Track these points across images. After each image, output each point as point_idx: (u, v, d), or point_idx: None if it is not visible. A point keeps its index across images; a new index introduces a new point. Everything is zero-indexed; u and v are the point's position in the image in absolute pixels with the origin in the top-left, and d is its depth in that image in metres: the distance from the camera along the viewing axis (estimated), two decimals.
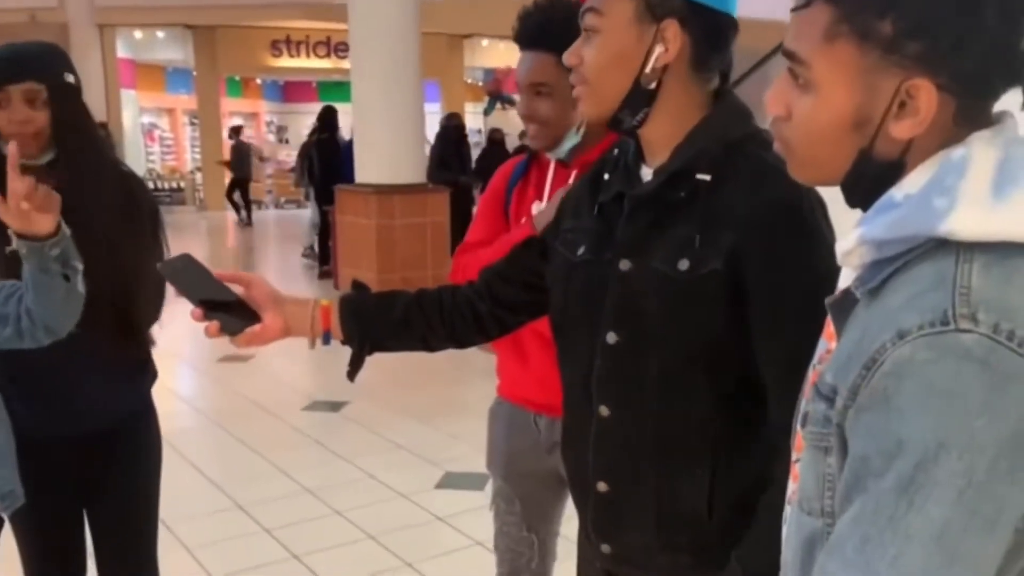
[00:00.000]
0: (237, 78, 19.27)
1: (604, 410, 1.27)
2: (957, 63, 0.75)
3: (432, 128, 9.97)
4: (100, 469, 2.00)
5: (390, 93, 7.22)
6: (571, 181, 1.82)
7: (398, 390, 5.02)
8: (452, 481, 3.96)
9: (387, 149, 7.30)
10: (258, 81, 20.20)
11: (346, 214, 7.71)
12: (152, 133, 19.11)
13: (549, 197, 1.86)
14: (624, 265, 1.23)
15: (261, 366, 6.03)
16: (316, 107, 20.81)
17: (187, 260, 1.32)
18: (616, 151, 1.34)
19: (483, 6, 12.24)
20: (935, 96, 0.76)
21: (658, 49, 1.18)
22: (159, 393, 2.13)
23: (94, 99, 14.17)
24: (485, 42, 17.25)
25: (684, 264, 1.17)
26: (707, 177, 1.18)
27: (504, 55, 15.50)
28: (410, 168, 7.45)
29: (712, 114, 1.24)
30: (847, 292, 0.84)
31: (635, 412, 1.25)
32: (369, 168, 7.43)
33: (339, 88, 16.84)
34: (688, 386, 1.21)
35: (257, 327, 1.33)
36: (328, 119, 9.26)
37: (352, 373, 1.42)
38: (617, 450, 1.28)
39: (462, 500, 3.73)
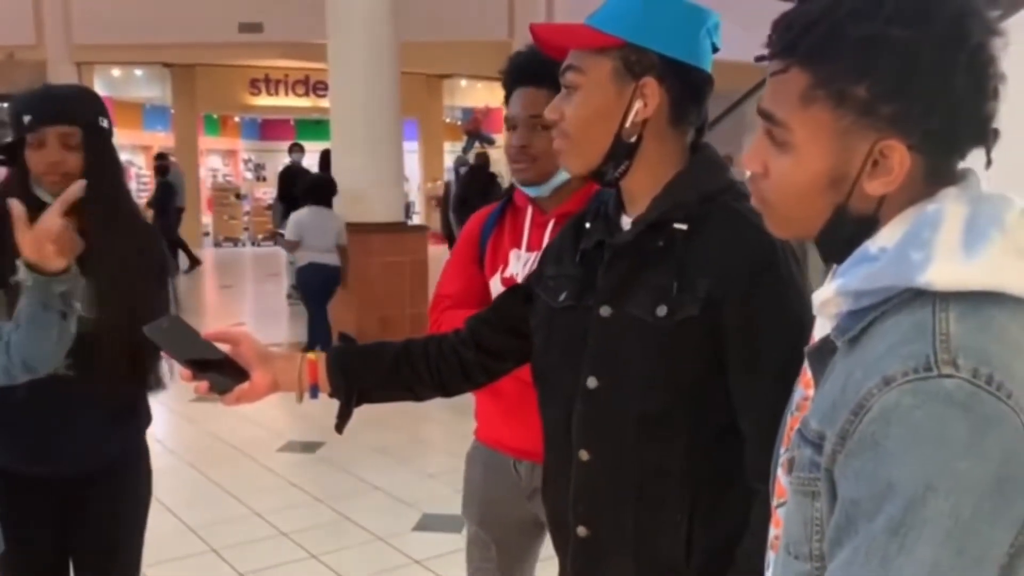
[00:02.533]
0: (215, 116, 19.28)
1: (584, 454, 1.28)
2: (928, 125, 0.79)
3: (410, 167, 9.99)
4: (87, 514, 1.97)
5: (369, 132, 7.25)
6: (549, 230, 1.84)
7: (374, 429, 4.97)
8: (429, 523, 3.91)
9: (366, 187, 7.30)
10: (236, 119, 20.22)
11: None
12: (129, 170, 19.03)
13: (528, 245, 1.87)
14: (604, 311, 1.26)
15: (235, 407, 5.95)
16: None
17: (174, 321, 1.34)
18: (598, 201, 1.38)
19: (461, 47, 12.39)
20: (907, 156, 0.80)
21: (637, 105, 1.23)
22: None
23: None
24: (464, 82, 17.42)
25: (662, 310, 1.20)
26: (684, 227, 1.22)
27: (482, 95, 15.66)
28: (388, 207, 7.46)
29: (689, 166, 1.27)
30: (825, 340, 0.86)
31: (614, 456, 1.26)
32: (347, 207, 7.42)
33: (317, 126, 16.88)
34: (667, 431, 1.23)
35: (246, 385, 1.34)
36: (325, 160, 9.08)
37: (340, 425, 1.43)
38: (597, 495, 1.29)
39: (440, 543, 3.68)
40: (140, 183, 19.44)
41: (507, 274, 1.89)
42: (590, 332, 1.27)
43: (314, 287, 6.67)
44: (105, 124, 1.88)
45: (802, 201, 0.86)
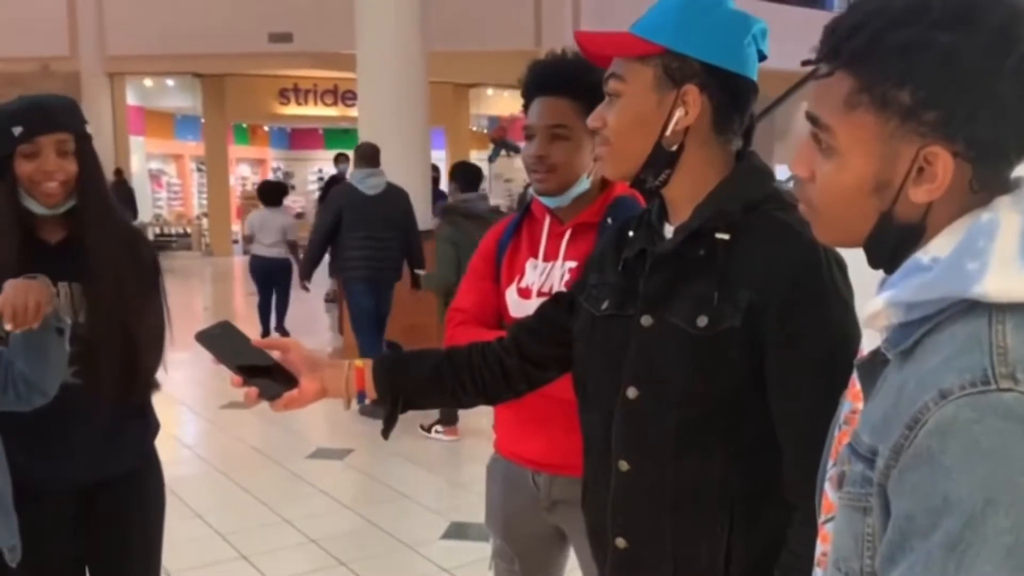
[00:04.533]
0: (244, 125, 19.48)
1: (624, 464, 1.28)
2: (972, 132, 0.78)
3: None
4: (101, 523, 1.97)
5: (397, 140, 7.28)
6: (566, 239, 1.84)
7: (402, 437, 4.98)
8: (458, 531, 3.91)
9: None
10: (265, 128, 20.41)
11: None
12: (159, 179, 19.27)
13: (546, 255, 1.86)
14: (646, 320, 1.25)
15: (264, 413, 5.96)
16: (322, 154, 20.92)
17: (225, 327, 1.36)
18: (640, 210, 1.38)
19: (487, 57, 12.42)
20: (951, 163, 0.79)
21: (678, 113, 1.22)
22: (162, 439, 2.11)
23: (103, 145, 14.25)
24: (490, 91, 17.46)
25: (703, 321, 1.18)
26: (726, 236, 1.20)
27: (508, 103, 15.66)
28: (417, 215, 7.48)
29: (732, 174, 1.26)
30: (876, 353, 0.85)
31: (654, 467, 1.25)
32: None
33: (345, 135, 17.00)
34: (706, 442, 1.21)
35: (295, 391, 1.35)
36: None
37: (387, 431, 1.46)
38: (636, 506, 1.28)
39: (468, 551, 3.68)
40: (171, 191, 19.70)
41: (523, 284, 1.87)
42: (631, 341, 1.26)
43: (259, 276, 8.07)
44: (89, 131, 1.88)
45: (847, 207, 0.85)
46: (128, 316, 1.87)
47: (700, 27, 1.22)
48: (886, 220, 0.83)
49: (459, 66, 12.89)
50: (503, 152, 12.06)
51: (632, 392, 1.25)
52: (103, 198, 1.91)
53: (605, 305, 1.32)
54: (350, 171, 6.79)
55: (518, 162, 10.69)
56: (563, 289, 1.78)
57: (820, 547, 0.91)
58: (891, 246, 0.84)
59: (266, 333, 7.78)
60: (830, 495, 0.89)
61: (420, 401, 1.47)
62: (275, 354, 1.37)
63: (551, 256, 1.86)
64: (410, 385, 1.45)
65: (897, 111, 0.79)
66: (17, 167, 1.78)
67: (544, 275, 1.85)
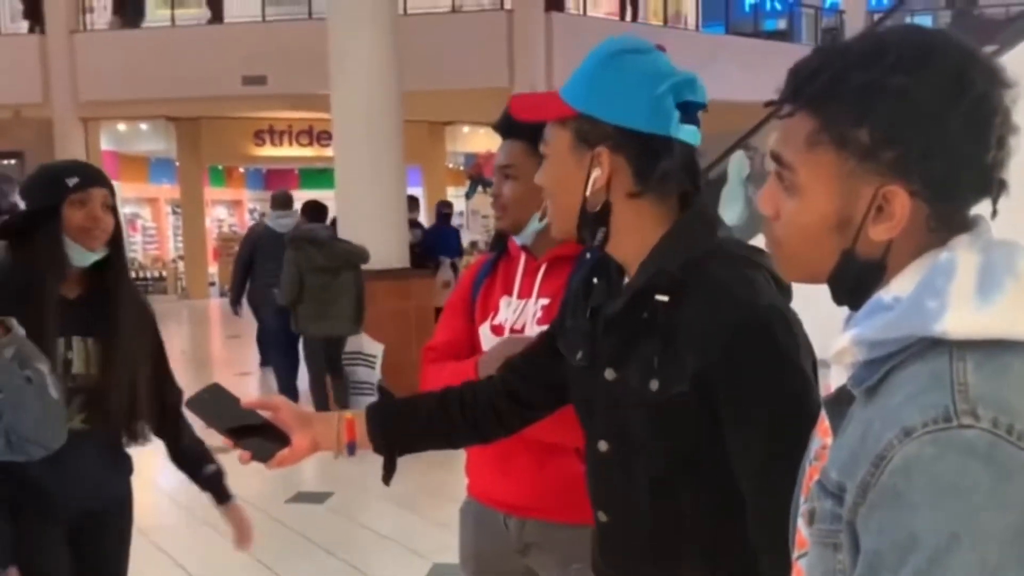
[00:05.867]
0: (220, 167, 19.45)
1: (602, 516, 1.32)
2: (927, 171, 0.80)
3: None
4: (88, 550, 2.09)
5: (373, 180, 7.29)
6: (541, 275, 1.85)
7: None
8: (441, 573, 3.85)
9: (371, 235, 7.32)
10: (241, 170, 20.40)
11: None
12: (135, 223, 19.16)
13: (520, 292, 1.87)
14: (609, 375, 1.27)
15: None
16: (299, 194, 20.96)
17: (214, 390, 1.40)
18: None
19: (463, 95, 12.52)
20: (908, 202, 0.81)
21: (595, 174, 1.23)
22: (140, 486, 2.21)
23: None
24: (466, 128, 17.58)
25: (654, 384, 1.20)
26: (665, 298, 1.21)
27: (484, 140, 15.77)
28: (393, 253, 7.48)
29: (673, 230, 1.25)
30: (842, 390, 0.86)
31: (629, 519, 1.28)
32: None
33: (321, 175, 16.99)
34: (677, 493, 1.24)
35: (286, 450, 1.37)
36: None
37: (387, 478, 1.47)
38: (619, 554, 1.31)
39: None
40: (146, 235, 19.59)
41: (496, 321, 1.88)
42: (599, 395, 1.29)
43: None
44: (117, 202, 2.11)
45: (809, 244, 0.87)
46: (137, 367, 2.07)
47: (608, 89, 1.23)
48: (848, 258, 0.85)
49: (434, 104, 12.97)
50: (480, 188, 12.12)
51: (603, 445, 1.28)
52: (125, 255, 2.15)
53: (579, 356, 1.34)
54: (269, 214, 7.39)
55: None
56: (535, 326, 1.79)
57: None
58: (853, 283, 0.86)
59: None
60: (803, 531, 0.90)
61: (416, 446, 1.49)
62: (265, 413, 1.39)
63: (525, 293, 1.87)
64: (405, 434, 1.47)
65: (856, 150, 0.82)
66: (67, 215, 1.96)
67: (517, 312, 1.86)
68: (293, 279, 5.98)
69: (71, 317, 1.98)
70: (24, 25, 14.46)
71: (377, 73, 7.34)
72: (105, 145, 15.64)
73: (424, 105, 11.84)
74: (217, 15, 14.00)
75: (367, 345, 6.38)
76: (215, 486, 2.30)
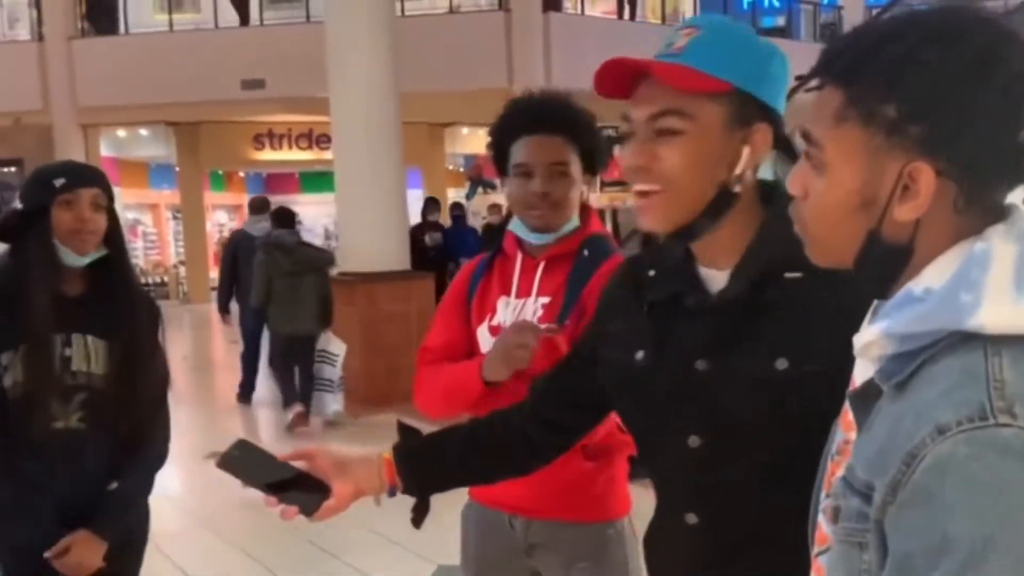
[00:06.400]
0: (220, 172, 19.46)
1: (692, 517, 1.22)
2: (954, 149, 0.77)
3: (414, 215, 10.07)
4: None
5: (373, 182, 7.29)
6: (539, 273, 1.84)
7: None
8: (445, 575, 3.84)
9: (371, 237, 7.32)
10: (241, 174, 20.40)
11: None
12: (135, 229, 19.17)
13: (518, 291, 1.86)
14: (701, 365, 1.19)
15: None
16: (299, 198, 20.94)
17: (243, 447, 1.34)
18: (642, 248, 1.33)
19: (461, 96, 12.51)
20: (933, 179, 0.78)
21: (746, 152, 1.17)
22: None
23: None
24: (465, 130, 17.56)
25: (783, 364, 1.13)
26: (798, 275, 1.14)
27: (484, 142, 15.73)
28: (394, 255, 7.47)
29: (775, 212, 1.19)
30: (870, 383, 0.83)
31: (726, 518, 1.20)
32: (353, 256, 7.44)
33: (321, 178, 17.01)
34: (783, 488, 1.13)
35: (331, 500, 1.32)
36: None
37: (418, 520, 1.42)
38: (708, 559, 1.22)
39: None
40: (147, 241, 19.60)
41: (495, 322, 1.86)
42: (683, 388, 1.19)
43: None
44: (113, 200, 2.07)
45: (835, 224, 0.85)
46: (141, 367, 2.03)
47: (760, 66, 1.19)
48: (874, 239, 0.82)
49: (433, 106, 12.96)
50: (480, 189, 12.12)
51: (694, 441, 1.19)
52: (127, 254, 2.12)
53: (640, 355, 1.25)
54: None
55: (494, 199, 10.75)
56: (535, 323, 1.78)
57: None
58: (880, 268, 0.83)
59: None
60: (824, 528, 0.87)
61: (449, 485, 1.45)
62: (299, 464, 1.33)
63: (524, 292, 1.85)
64: (437, 473, 1.42)
65: (882, 126, 0.79)
66: (55, 217, 1.94)
67: (516, 312, 1.85)
68: (263, 283, 6.55)
69: (72, 314, 1.97)
70: (23, 32, 14.47)
71: (375, 75, 7.33)
72: (105, 151, 15.63)
73: (423, 107, 11.84)
74: (222, 18, 13.96)
75: (332, 344, 6.73)
76: (102, 505, 2.01)
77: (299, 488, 1.30)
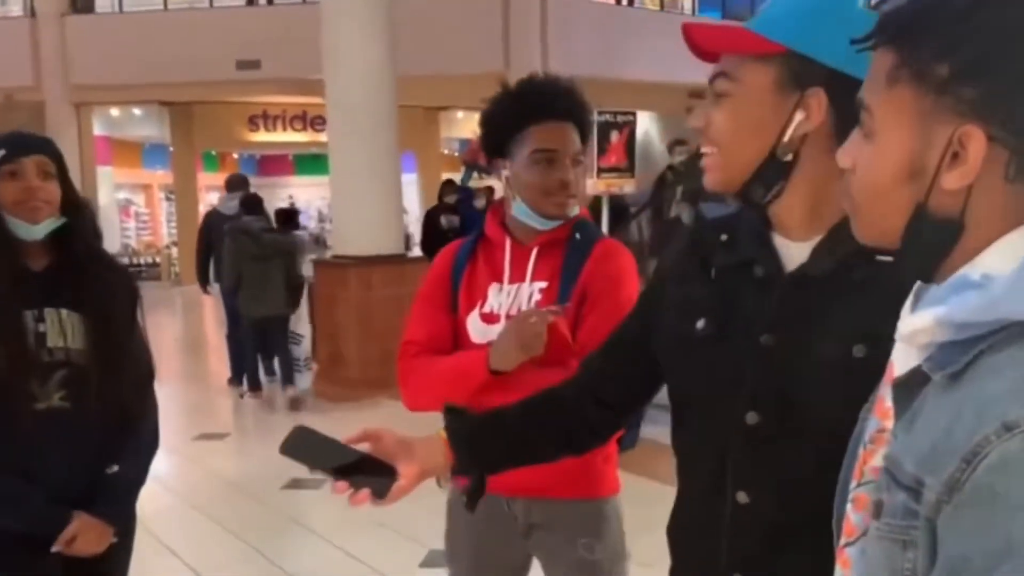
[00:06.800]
0: (214, 153, 19.36)
1: (743, 496, 1.17)
2: (1010, 111, 0.73)
3: (409, 199, 10.07)
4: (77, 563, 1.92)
5: (368, 165, 7.25)
6: (533, 259, 1.83)
7: None
8: (437, 559, 3.82)
9: (365, 221, 7.29)
10: (235, 156, 20.30)
11: (324, 287, 7.67)
12: (128, 209, 19.08)
13: (511, 277, 1.84)
14: (767, 340, 1.14)
15: (238, 444, 5.90)
16: (293, 180, 20.78)
17: (303, 433, 1.31)
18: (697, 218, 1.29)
19: (457, 80, 12.45)
20: (983, 144, 0.74)
21: (799, 117, 1.11)
22: None
23: (71, 176, 14.13)
24: (460, 114, 17.50)
25: (860, 351, 1.08)
26: (889, 258, 1.10)
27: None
28: (389, 239, 7.44)
29: None
30: (916, 372, 0.79)
31: (781, 499, 1.15)
32: (347, 240, 7.41)
33: (315, 161, 16.92)
34: (838, 474, 1.08)
35: (402, 481, 1.27)
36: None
37: (472, 504, 1.37)
38: (758, 540, 1.17)
39: None
40: (140, 221, 19.50)
41: (486, 309, 1.84)
42: (747, 364, 1.14)
43: None
44: (65, 168, 1.97)
45: (881, 195, 0.81)
46: (119, 339, 1.95)
47: (829, 28, 1.08)
48: (921, 212, 0.78)
49: (428, 89, 12.90)
50: (475, 174, 12.06)
51: (752, 418, 1.14)
52: (88, 221, 2.01)
53: (701, 324, 1.20)
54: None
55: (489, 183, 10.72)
56: (534, 308, 1.76)
57: (840, 571, 0.86)
58: (927, 244, 0.79)
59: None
60: (852, 518, 0.83)
61: (504, 467, 1.40)
62: (363, 446, 1.29)
63: (517, 278, 1.84)
64: (491, 456, 1.37)
65: (934, 86, 0.75)
66: (1, 191, 1.86)
67: (511, 297, 1.83)
68: (231, 268, 6.92)
69: (39, 289, 1.89)
70: (15, 7, 14.34)
71: (371, 57, 7.28)
72: (98, 130, 15.53)
73: (418, 90, 11.77)
74: None
75: (300, 326, 7.30)
76: (104, 488, 1.96)
77: (364, 471, 1.27)
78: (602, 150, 6.73)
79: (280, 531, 4.32)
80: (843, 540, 0.86)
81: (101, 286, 1.94)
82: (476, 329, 1.84)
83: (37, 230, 1.88)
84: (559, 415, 1.39)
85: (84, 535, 1.89)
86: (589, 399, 1.38)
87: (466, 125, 17.46)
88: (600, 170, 6.75)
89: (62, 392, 1.88)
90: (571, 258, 1.82)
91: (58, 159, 1.93)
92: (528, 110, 1.81)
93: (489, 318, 1.83)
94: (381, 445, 1.29)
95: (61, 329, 1.89)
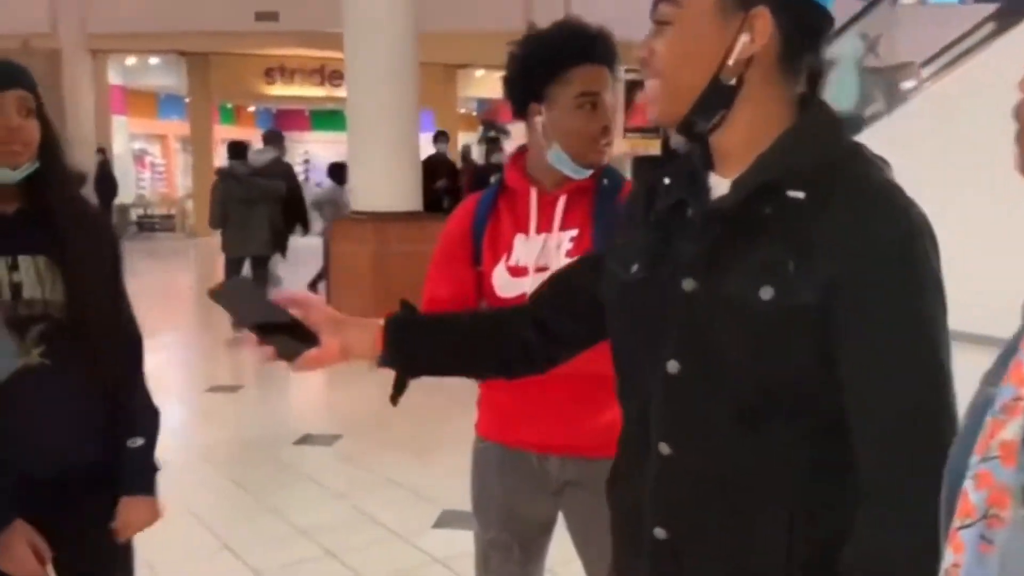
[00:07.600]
0: (230, 105, 19.24)
1: (664, 447, 1.12)
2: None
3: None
4: (64, 519, 1.76)
5: (387, 122, 7.16)
6: (561, 207, 1.77)
7: (394, 423, 4.87)
8: (450, 520, 3.80)
9: (383, 177, 7.22)
10: (251, 109, 20.17)
11: (341, 242, 7.62)
12: (143, 159, 19.02)
13: (538, 227, 1.78)
14: (688, 285, 1.08)
15: (251, 398, 5.87)
16: (309, 135, 20.67)
17: (240, 283, 1.31)
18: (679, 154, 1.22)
19: (477, 37, 12.27)
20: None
21: (743, 39, 1.04)
22: None
23: (85, 125, 14.11)
24: (479, 72, 17.29)
25: (767, 293, 1.02)
26: (800, 195, 1.03)
27: (497, 85, 15.51)
28: (406, 195, 7.37)
29: (802, 123, 1.09)
30: None
31: (702, 451, 1.10)
32: (365, 196, 7.35)
33: (332, 116, 16.82)
34: (765, 425, 1.05)
35: (314, 350, 1.24)
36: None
37: (396, 397, 1.35)
38: (680, 493, 1.12)
39: (461, 540, 3.54)
40: (155, 172, 19.45)
41: (513, 262, 1.79)
42: (669, 309, 1.09)
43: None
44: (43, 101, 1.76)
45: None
46: (98, 295, 1.76)
47: None
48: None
49: (447, 47, 12.75)
50: (492, 133, 11.94)
51: (673, 367, 1.09)
52: (63, 164, 1.80)
53: (635, 268, 1.14)
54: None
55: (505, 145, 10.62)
56: (564, 259, 1.70)
57: (951, 556, 0.78)
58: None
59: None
60: (972, 498, 0.76)
61: (434, 369, 1.35)
62: (295, 312, 1.25)
63: (544, 228, 1.78)
64: (422, 351, 1.32)
65: None
66: None
67: (540, 248, 1.77)
68: (218, 207, 7.32)
69: (10, 234, 1.69)
70: None
71: (392, 11, 7.15)
72: (113, 79, 15.44)
73: (437, 47, 11.63)
74: None
75: (278, 268, 7.96)
76: (135, 464, 1.87)
77: (289, 335, 1.23)
78: (628, 109, 6.61)
79: (292, 487, 4.30)
80: (957, 521, 0.76)
81: (72, 234, 1.73)
82: (503, 283, 1.79)
83: (15, 175, 1.68)
84: (498, 332, 1.35)
85: (133, 520, 1.84)
86: (529, 320, 1.34)
87: (484, 84, 17.26)
88: (626, 130, 6.64)
89: (41, 348, 1.68)
90: (602, 204, 1.77)
91: (37, 93, 1.70)
92: (570, 52, 1.73)
93: (516, 271, 1.78)
94: (311, 315, 1.26)
95: (39, 279, 1.70)
